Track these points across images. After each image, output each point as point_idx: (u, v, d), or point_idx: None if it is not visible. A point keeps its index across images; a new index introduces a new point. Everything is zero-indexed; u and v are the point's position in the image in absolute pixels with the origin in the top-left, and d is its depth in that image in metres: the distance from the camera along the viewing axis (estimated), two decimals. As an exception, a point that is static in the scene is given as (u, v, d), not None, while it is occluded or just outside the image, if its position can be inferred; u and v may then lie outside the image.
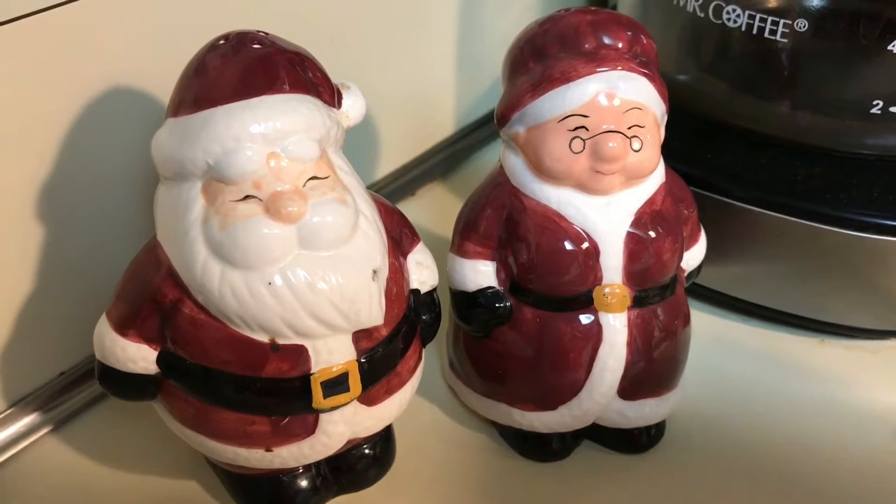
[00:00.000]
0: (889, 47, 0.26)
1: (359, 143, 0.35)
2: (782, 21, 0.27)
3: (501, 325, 0.25)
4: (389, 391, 0.22)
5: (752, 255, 0.30)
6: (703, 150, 0.31)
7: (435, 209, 0.37)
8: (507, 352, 0.25)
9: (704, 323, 0.31)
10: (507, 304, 0.24)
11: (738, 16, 0.28)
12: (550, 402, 0.25)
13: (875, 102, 0.27)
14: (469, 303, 0.25)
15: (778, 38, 0.27)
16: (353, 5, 0.32)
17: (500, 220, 0.24)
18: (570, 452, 0.26)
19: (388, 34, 0.34)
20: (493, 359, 0.25)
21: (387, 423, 0.23)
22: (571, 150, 0.23)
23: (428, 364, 0.29)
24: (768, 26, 0.27)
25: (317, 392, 0.20)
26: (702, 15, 0.29)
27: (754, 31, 0.28)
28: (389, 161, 0.37)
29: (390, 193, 0.37)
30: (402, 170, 0.37)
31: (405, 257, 0.23)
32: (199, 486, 0.26)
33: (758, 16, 0.27)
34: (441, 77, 0.38)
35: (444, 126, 0.39)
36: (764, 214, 0.29)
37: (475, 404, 0.27)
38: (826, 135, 0.29)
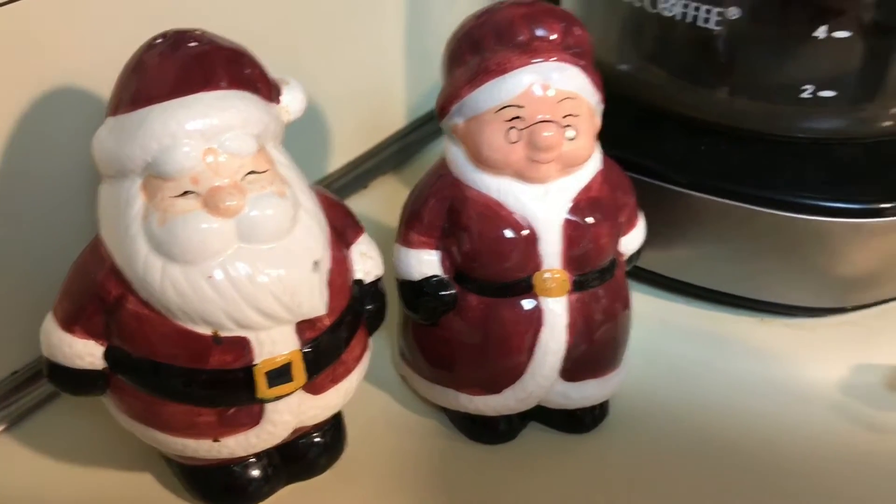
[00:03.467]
0: (815, 34, 0.27)
1: (310, 137, 0.36)
2: (715, 10, 0.28)
3: (447, 312, 0.25)
4: (335, 380, 0.22)
5: (692, 238, 0.31)
6: (644, 137, 0.31)
7: (387, 201, 0.37)
8: (453, 338, 0.26)
9: (649, 305, 0.31)
10: (452, 291, 0.25)
11: (672, 4, 0.29)
12: (495, 385, 0.26)
13: (805, 87, 0.28)
14: (414, 291, 0.25)
15: (712, 26, 0.28)
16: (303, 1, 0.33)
17: (443, 211, 0.25)
18: (516, 434, 0.27)
19: (337, 28, 0.35)
20: (440, 346, 0.26)
21: (333, 412, 0.24)
22: (508, 140, 0.23)
23: (379, 353, 0.29)
24: (701, 14, 0.28)
25: (261, 382, 0.21)
26: (639, 4, 0.30)
27: (689, 20, 0.28)
28: (341, 154, 0.37)
29: (343, 186, 0.37)
30: (354, 163, 0.38)
31: (349, 248, 0.23)
32: (153, 479, 0.26)
33: (691, 4, 0.28)
34: (392, 70, 0.39)
35: (395, 119, 0.40)
36: (703, 199, 0.30)
37: (424, 391, 0.28)
38: (761, 120, 0.30)
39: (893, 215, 0.29)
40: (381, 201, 0.38)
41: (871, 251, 0.30)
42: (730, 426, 0.28)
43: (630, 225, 0.27)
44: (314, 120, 0.36)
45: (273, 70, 0.23)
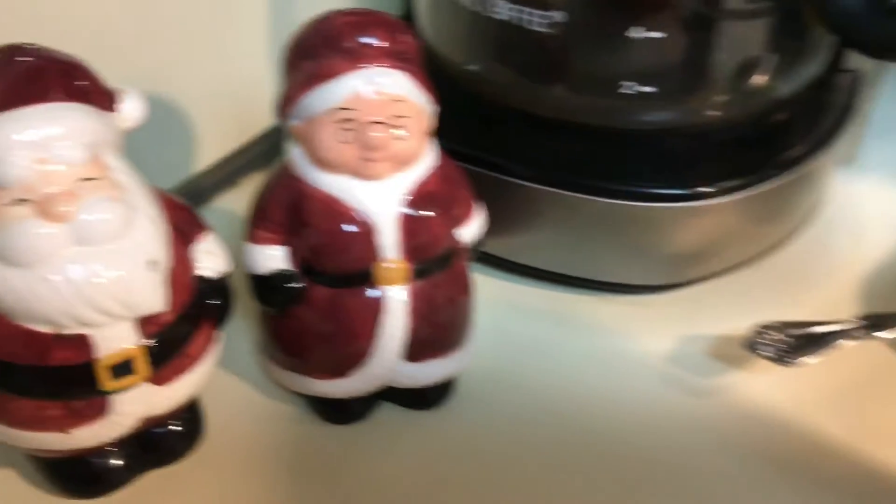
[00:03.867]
0: (631, 34, 0.29)
1: (177, 136, 0.37)
2: (540, 13, 0.30)
3: (295, 303, 0.27)
4: (180, 371, 0.24)
5: (535, 226, 0.33)
6: (489, 134, 0.34)
7: (257, 198, 0.39)
8: (303, 327, 0.27)
9: (497, 288, 0.34)
10: (299, 284, 0.27)
11: (503, 9, 0.31)
12: (343, 370, 0.27)
13: (627, 84, 0.31)
14: (262, 285, 0.27)
15: (539, 28, 0.30)
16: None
17: (286, 207, 0.27)
18: (368, 414, 0.29)
19: (203, 27, 0.36)
20: (292, 335, 0.28)
21: (181, 402, 0.25)
22: (340, 140, 0.25)
23: (241, 344, 0.31)
24: (528, 18, 0.30)
25: (104, 376, 0.22)
26: (476, 9, 0.32)
27: (518, 23, 0.31)
28: (210, 153, 0.38)
29: (213, 184, 0.38)
30: (222, 162, 0.39)
31: (193, 247, 0.25)
32: (17, 474, 0.27)
33: (518, 8, 0.30)
34: (258, 69, 0.40)
35: (263, 117, 0.41)
36: (543, 190, 0.32)
37: (281, 378, 0.29)
38: (592, 114, 0.32)
39: (713, 198, 0.32)
40: (251, 198, 0.39)
41: (696, 231, 0.33)
42: (571, 398, 0.30)
43: (466, 217, 0.29)
44: (181, 119, 0.37)
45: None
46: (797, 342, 0.29)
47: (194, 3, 0.35)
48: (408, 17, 0.37)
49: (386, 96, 0.25)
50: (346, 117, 0.25)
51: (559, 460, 0.28)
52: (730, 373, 0.31)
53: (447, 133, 0.35)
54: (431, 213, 0.27)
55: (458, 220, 0.28)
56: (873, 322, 0.30)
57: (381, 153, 0.25)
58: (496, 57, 0.33)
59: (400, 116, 0.25)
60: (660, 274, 0.33)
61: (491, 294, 0.33)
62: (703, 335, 0.32)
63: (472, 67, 0.34)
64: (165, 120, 0.36)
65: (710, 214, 0.32)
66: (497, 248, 0.33)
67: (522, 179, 0.32)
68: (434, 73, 0.36)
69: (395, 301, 0.27)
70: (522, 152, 0.33)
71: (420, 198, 0.26)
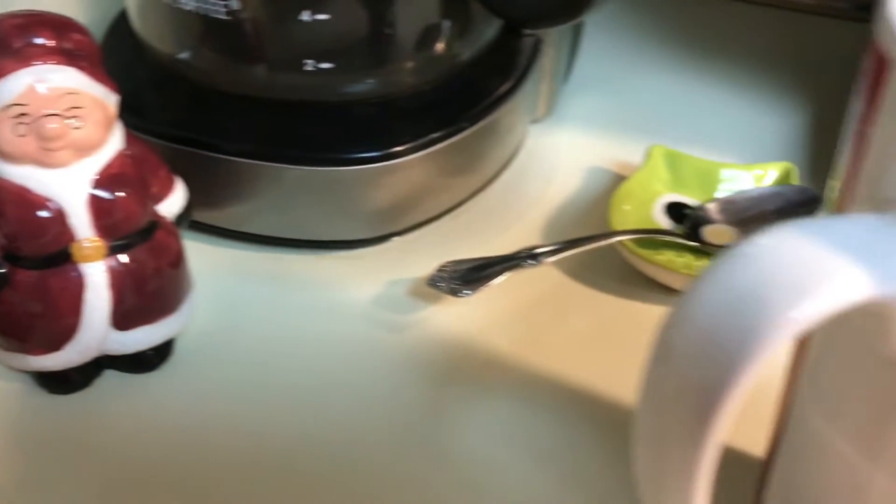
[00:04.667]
0: (301, 17, 0.33)
1: None
2: (217, 2, 0.33)
3: (1, 289, 0.29)
4: None
5: (248, 195, 0.36)
6: (199, 115, 0.36)
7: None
8: (12, 310, 0.29)
9: (219, 255, 0.37)
10: (2, 270, 0.29)
11: (187, 1, 0.33)
12: (56, 344, 0.30)
13: (307, 62, 0.34)
14: (-38, 275, 0.29)
15: (222, 16, 0.33)
16: None
17: (-20, 200, 0.29)
18: (91, 382, 0.32)
19: None
20: (2, 318, 0.30)
21: None
22: (17, 133, 0.27)
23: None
24: (211, 7, 0.33)
25: None
26: (167, 1, 0.34)
27: (204, 12, 0.33)
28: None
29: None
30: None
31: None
32: None
33: (198, -1, 0.33)
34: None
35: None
36: (252, 164, 0.35)
37: (7, 361, 0.31)
38: (288, 90, 0.36)
39: (404, 156, 0.36)
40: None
41: (394, 187, 0.37)
42: (289, 347, 0.34)
43: (165, 192, 0.32)
44: None
45: None
46: (469, 276, 0.34)
47: None
48: (123, 16, 0.39)
49: (58, 90, 0.28)
50: (20, 112, 0.27)
51: (280, 404, 0.32)
52: (425, 309, 0.35)
53: (164, 118, 0.38)
54: (122, 193, 0.29)
55: (158, 196, 0.31)
56: (538, 252, 0.35)
57: (60, 143, 0.28)
58: (195, 45, 0.36)
59: (75, 108, 0.28)
60: (367, 229, 0.37)
61: (213, 261, 0.36)
62: (406, 279, 0.36)
63: (179, 56, 0.37)
64: None
65: (404, 171, 0.36)
66: (217, 218, 0.37)
67: (233, 155, 0.35)
68: (149, 63, 0.38)
69: (95, 277, 0.29)
70: (231, 130, 0.36)
71: (108, 179, 0.29)
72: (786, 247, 0.15)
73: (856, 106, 0.17)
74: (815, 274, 0.14)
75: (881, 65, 0.16)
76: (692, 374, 0.15)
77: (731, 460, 0.29)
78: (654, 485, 0.16)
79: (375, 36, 0.35)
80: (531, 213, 0.40)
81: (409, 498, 0.29)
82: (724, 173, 0.39)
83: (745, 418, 0.27)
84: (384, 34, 0.35)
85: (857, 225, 0.15)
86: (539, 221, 0.40)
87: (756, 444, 0.26)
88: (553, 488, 0.29)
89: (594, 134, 0.45)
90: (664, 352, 0.15)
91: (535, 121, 0.45)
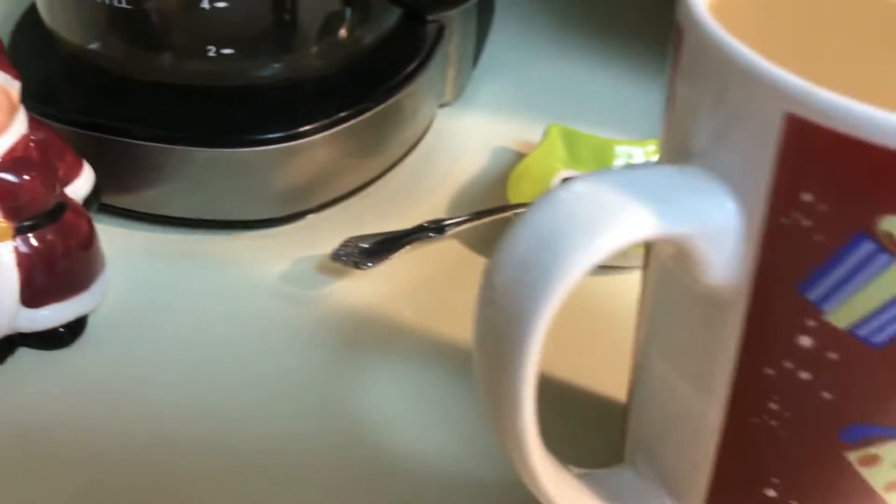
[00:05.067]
0: (202, 5, 0.34)
1: None
2: (118, -9, 0.34)
3: None
4: None
5: (161, 179, 0.37)
6: (107, 101, 0.38)
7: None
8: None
9: (134, 237, 0.38)
10: None
11: (93, -9, 0.35)
12: (-35, 323, 0.31)
13: (209, 48, 0.36)
14: None
15: (125, 5, 0.35)
16: None
17: None
18: (3, 359, 0.33)
19: None
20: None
21: None
22: (-81, 120, 0.29)
23: None
24: (110, -4, 0.35)
25: None
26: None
27: (109, 2, 0.35)
28: None
29: None
30: None
31: None
32: None
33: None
34: None
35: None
36: (162, 147, 0.37)
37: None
38: (196, 76, 0.37)
39: (308, 137, 0.37)
40: None
41: (300, 168, 0.38)
42: (202, 327, 0.35)
43: (72, 175, 0.33)
44: None
45: None
46: (372, 249, 0.36)
47: None
48: (33, 9, 0.40)
49: (-39, 80, 0.29)
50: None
51: (193, 379, 0.33)
52: (333, 283, 0.37)
53: (75, 106, 0.39)
54: (26, 176, 0.30)
55: (65, 179, 0.33)
56: (439, 225, 0.37)
57: (-41, 130, 0.29)
58: (101, 34, 0.37)
59: (-25, 97, 0.29)
60: (277, 208, 0.39)
61: (127, 243, 0.37)
62: (315, 256, 0.38)
63: (87, 46, 0.38)
64: None
65: (310, 151, 0.38)
66: (129, 201, 0.38)
67: (143, 140, 0.37)
68: (59, 54, 0.39)
69: (3, 257, 0.30)
70: (141, 116, 0.37)
71: (12, 163, 0.30)
72: (587, 192, 0.17)
73: (668, 71, 0.19)
74: (608, 214, 0.16)
75: (678, 33, 0.18)
76: (509, 306, 0.17)
77: (603, 407, 0.32)
78: (490, 406, 0.18)
79: (278, 22, 0.37)
80: (437, 191, 0.42)
81: (320, 459, 0.31)
82: (619, 150, 0.42)
83: (612, 369, 0.29)
84: (286, 20, 0.37)
85: (655, 174, 0.17)
86: (444, 199, 0.41)
87: (622, 391, 0.28)
88: (448, 444, 0.31)
89: (500, 116, 0.47)
90: (488, 290, 0.17)
91: (443, 104, 0.46)
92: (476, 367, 0.18)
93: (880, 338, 0.16)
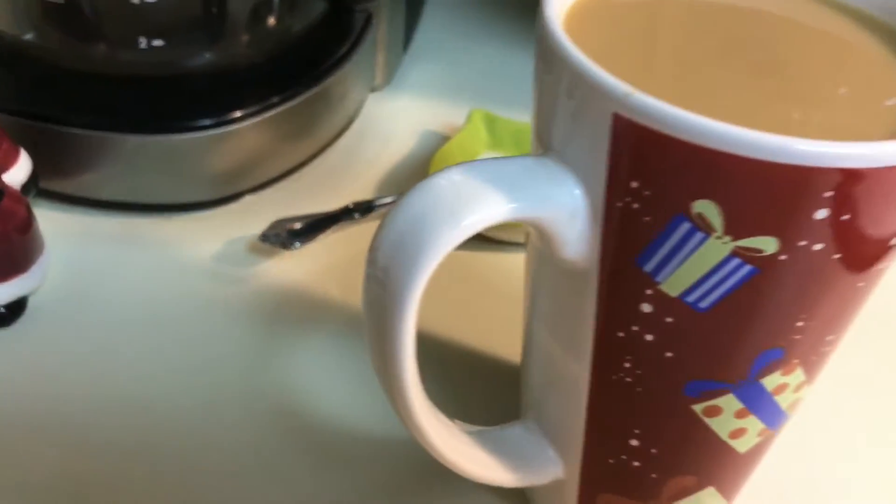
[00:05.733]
0: (132, 0, 0.36)
1: None
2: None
3: None
4: None
5: (99, 165, 0.39)
6: (43, 91, 0.39)
7: None
8: None
9: (72, 221, 0.40)
10: None
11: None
12: None
13: (141, 39, 0.37)
14: None
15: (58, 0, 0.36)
16: None
17: None
18: (-53, 339, 0.35)
19: None
20: None
21: None
22: None
23: None
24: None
25: None
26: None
27: (41, -4, 0.36)
28: None
29: None
30: None
31: None
32: None
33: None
34: None
35: None
36: (98, 134, 0.38)
37: None
38: (131, 66, 0.39)
39: (237, 123, 0.39)
40: None
41: (231, 152, 0.40)
42: (139, 306, 0.37)
43: (9, 163, 0.35)
44: None
45: None
46: (300, 230, 0.38)
47: None
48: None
49: None
50: None
51: (130, 356, 0.35)
52: (264, 263, 0.39)
53: (11, 95, 0.40)
54: (-37, 164, 0.32)
55: (2, 166, 0.34)
56: (363, 207, 0.39)
57: None
58: (36, 26, 0.39)
59: None
60: (210, 191, 0.41)
61: (65, 226, 0.39)
62: (247, 237, 0.40)
63: (23, 37, 0.39)
64: None
65: (240, 137, 0.40)
66: (67, 186, 0.40)
67: (78, 127, 0.38)
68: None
69: (-58, 240, 0.32)
70: (75, 104, 0.39)
71: (-54, 152, 0.32)
72: (454, 181, 0.19)
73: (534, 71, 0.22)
74: (470, 201, 0.18)
75: (537, 39, 0.20)
76: (387, 281, 0.19)
77: (507, 371, 0.34)
78: (379, 369, 0.21)
79: (207, 12, 0.39)
80: (366, 173, 0.44)
81: (250, 427, 0.33)
82: (537, 132, 0.44)
83: (515, 338, 0.32)
84: (215, 11, 0.39)
85: (516, 164, 0.20)
86: (373, 180, 0.44)
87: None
88: (370, 407, 0.33)
89: (429, 100, 0.49)
90: (371, 266, 0.20)
91: (374, 89, 0.49)
92: (366, 334, 0.21)
93: (706, 303, 0.19)
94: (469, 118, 0.44)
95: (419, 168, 0.44)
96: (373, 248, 0.19)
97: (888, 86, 0.20)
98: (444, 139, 0.46)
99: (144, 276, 0.38)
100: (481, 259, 0.40)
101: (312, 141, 0.44)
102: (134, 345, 0.35)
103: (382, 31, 0.47)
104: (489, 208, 0.18)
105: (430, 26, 0.54)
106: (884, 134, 0.19)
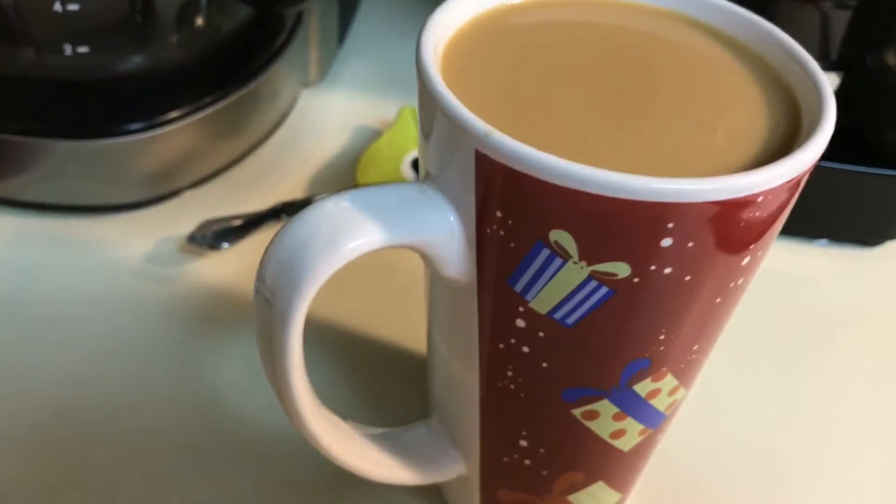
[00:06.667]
0: (55, 8, 0.36)
1: None
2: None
3: None
4: None
5: (27, 168, 0.40)
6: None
7: None
8: None
9: (4, 222, 0.40)
10: None
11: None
12: None
13: (67, 45, 0.38)
14: None
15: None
16: None
17: None
18: None
19: None
20: None
21: None
22: None
23: None
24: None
25: None
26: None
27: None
28: None
29: None
30: None
31: None
32: None
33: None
34: None
35: None
36: (23, 140, 0.39)
37: None
38: (55, 70, 0.39)
39: (168, 125, 0.40)
40: None
41: (162, 154, 0.41)
42: (68, 307, 0.37)
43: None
44: None
45: None
46: (227, 230, 0.39)
47: None
48: None
49: None
50: None
51: (63, 354, 0.36)
52: (194, 262, 0.40)
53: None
54: None
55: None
56: (291, 208, 0.40)
57: None
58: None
59: None
60: (141, 192, 0.41)
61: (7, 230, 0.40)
62: (177, 236, 0.41)
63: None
64: None
65: (170, 139, 0.41)
66: (1, 189, 0.40)
67: (8, 133, 0.39)
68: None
69: None
70: (5, 109, 0.39)
71: None
72: (337, 209, 0.20)
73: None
74: (350, 229, 0.20)
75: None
76: (273, 301, 0.20)
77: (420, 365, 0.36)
78: (271, 380, 0.22)
79: (133, 17, 0.39)
80: (299, 171, 0.45)
81: (178, 423, 0.34)
82: (466, 129, 0.45)
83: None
84: (142, 15, 0.39)
85: (398, 192, 0.21)
86: (305, 178, 0.45)
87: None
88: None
89: (364, 95, 0.50)
90: (259, 282, 0.21)
91: (307, 84, 0.49)
92: (257, 347, 0.22)
93: (571, 320, 0.21)
94: (399, 114, 0.45)
95: (352, 164, 0.45)
96: (262, 267, 0.21)
97: (753, 116, 0.22)
98: (377, 134, 0.47)
99: (74, 277, 0.39)
100: (404, 253, 0.41)
101: (244, 139, 0.44)
102: (63, 344, 0.36)
103: (315, 26, 0.47)
104: (367, 236, 0.20)
105: (367, 20, 0.55)
106: (740, 163, 0.20)
